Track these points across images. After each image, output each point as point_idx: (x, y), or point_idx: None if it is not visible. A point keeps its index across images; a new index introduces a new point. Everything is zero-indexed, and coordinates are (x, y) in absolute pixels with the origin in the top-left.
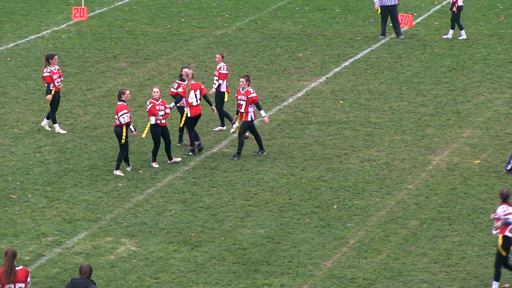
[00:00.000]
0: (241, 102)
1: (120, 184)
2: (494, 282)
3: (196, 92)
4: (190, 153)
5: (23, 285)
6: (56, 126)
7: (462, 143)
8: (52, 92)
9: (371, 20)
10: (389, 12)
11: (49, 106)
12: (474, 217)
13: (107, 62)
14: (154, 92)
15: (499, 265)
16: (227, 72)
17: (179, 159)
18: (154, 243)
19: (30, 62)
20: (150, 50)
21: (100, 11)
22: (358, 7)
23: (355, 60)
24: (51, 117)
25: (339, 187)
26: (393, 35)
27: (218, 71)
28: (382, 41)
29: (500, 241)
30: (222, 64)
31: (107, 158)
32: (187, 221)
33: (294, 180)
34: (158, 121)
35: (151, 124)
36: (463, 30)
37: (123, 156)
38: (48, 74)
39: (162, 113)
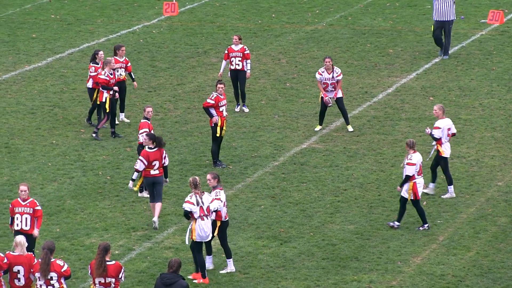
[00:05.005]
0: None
1: None
2: None
3: None
4: (94, 135)
5: (113, 280)
6: (121, 115)
7: None
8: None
9: (462, 17)
10: (442, 28)
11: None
12: None
13: (198, 57)
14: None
15: None
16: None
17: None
18: (244, 238)
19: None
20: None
21: (191, 6)
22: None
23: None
24: (120, 106)
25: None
26: (483, 31)
27: (242, 52)
28: (473, 37)
29: None
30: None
31: (197, 153)
32: (276, 216)
33: (383, 176)
34: None
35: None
36: None
37: None
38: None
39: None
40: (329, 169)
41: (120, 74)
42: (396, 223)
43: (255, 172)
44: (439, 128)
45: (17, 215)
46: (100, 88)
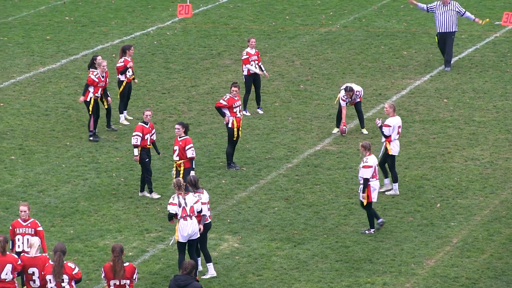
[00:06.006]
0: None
1: (223, 181)
2: None
3: None
4: (91, 138)
5: (128, 281)
6: (122, 116)
7: None
8: (124, 83)
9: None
10: (444, 40)
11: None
12: None
13: (212, 59)
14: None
15: None
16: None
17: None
18: (257, 240)
19: (135, 59)
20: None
21: (205, 8)
22: (462, 5)
23: (459, 58)
24: (119, 106)
25: (443, 185)
26: (497, 33)
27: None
28: (487, 39)
29: None
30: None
31: (210, 155)
32: (290, 218)
33: None
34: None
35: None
36: None
37: (149, 177)
38: (121, 64)
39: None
40: (343, 171)
41: (131, 75)
42: (372, 230)
43: (269, 174)
44: (390, 126)
45: (18, 236)
46: (87, 87)
